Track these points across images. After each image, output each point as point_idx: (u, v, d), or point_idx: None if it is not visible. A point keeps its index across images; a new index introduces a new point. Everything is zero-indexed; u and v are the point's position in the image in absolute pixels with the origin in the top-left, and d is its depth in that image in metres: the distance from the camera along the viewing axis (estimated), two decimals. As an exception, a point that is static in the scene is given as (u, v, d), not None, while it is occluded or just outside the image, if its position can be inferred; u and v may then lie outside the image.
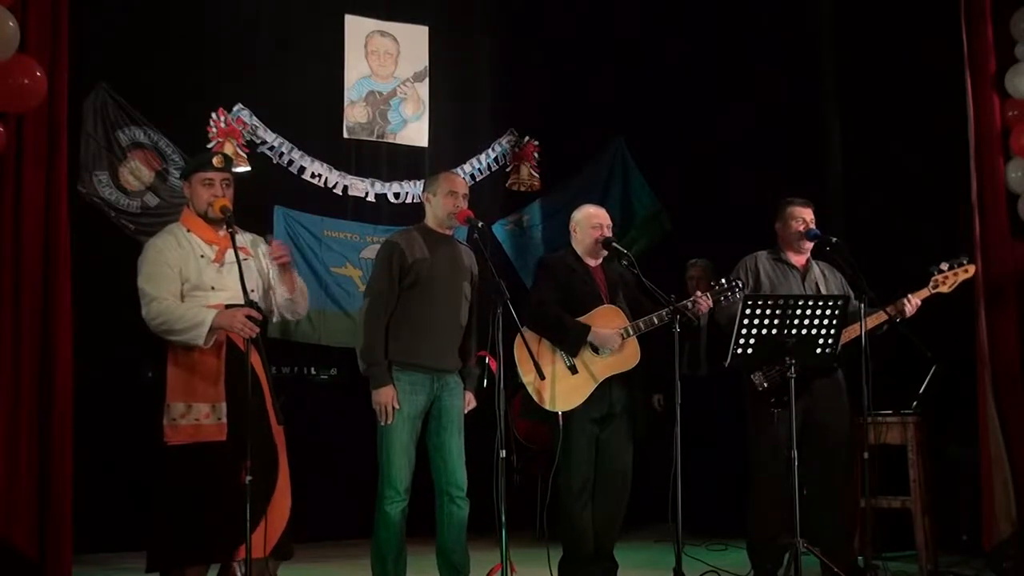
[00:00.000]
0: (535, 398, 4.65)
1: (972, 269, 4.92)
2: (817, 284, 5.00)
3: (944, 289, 4.84)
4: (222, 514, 3.75)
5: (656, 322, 4.66)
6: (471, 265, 4.54)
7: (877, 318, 4.78)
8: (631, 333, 4.69)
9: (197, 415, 3.84)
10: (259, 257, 4.16)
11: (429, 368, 4.37)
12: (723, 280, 4.80)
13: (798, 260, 5.05)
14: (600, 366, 4.69)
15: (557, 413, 4.63)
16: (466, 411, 4.50)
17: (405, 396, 4.32)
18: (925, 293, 4.83)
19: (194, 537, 3.78)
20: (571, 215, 5.00)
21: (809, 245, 5.02)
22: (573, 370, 4.66)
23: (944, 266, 4.87)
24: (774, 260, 5.05)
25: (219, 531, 3.77)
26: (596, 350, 4.69)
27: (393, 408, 4.29)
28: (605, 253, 4.88)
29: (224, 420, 3.85)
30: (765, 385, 4.76)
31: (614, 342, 4.65)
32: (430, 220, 4.55)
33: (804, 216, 5.00)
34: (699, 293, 4.75)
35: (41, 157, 4.45)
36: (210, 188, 4.01)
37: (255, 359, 3.87)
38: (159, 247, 3.95)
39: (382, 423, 4.31)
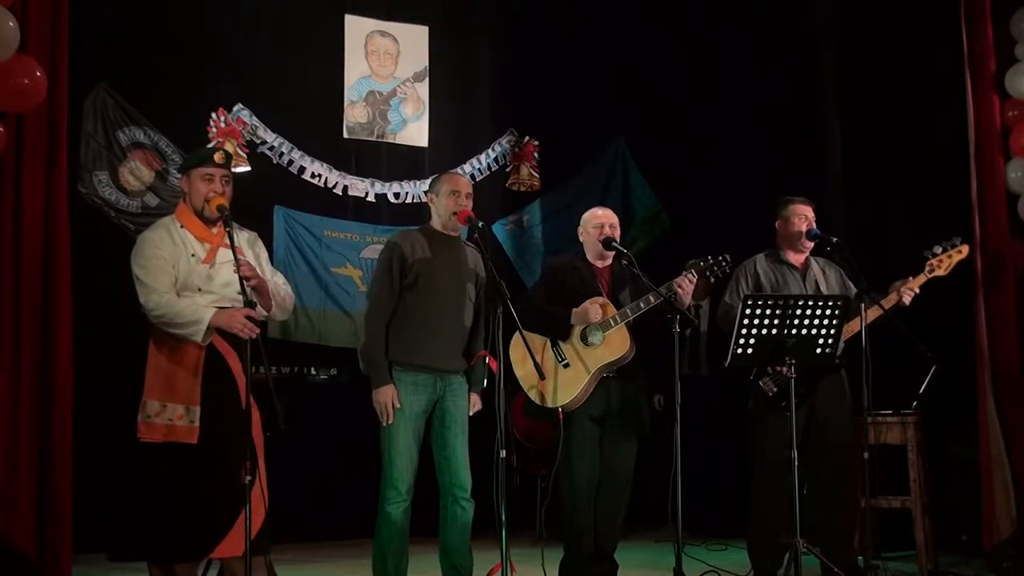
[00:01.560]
0: (532, 397, 4.66)
1: (966, 249, 4.89)
2: (817, 282, 4.99)
3: (940, 272, 4.82)
4: (191, 515, 3.76)
5: (642, 306, 4.63)
6: (476, 267, 4.52)
7: (875, 311, 4.76)
8: (618, 321, 4.68)
9: (171, 415, 3.84)
10: (255, 256, 4.13)
11: (432, 368, 4.36)
12: (708, 257, 4.74)
13: (797, 259, 5.04)
14: (591, 357, 4.69)
15: (557, 409, 4.64)
16: (471, 412, 4.49)
17: (407, 396, 4.32)
18: (922, 279, 4.80)
19: (160, 535, 3.79)
20: (576, 217, 5.01)
21: (809, 244, 5.01)
22: (565, 365, 4.68)
23: (938, 249, 4.85)
24: (772, 262, 5.05)
25: (188, 531, 3.78)
26: (586, 341, 4.70)
27: (394, 407, 4.29)
28: (611, 254, 4.87)
29: (196, 424, 3.83)
30: (775, 390, 4.75)
31: (594, 313, 4.64)
32: (435, 221, 4.55)
33: (806, 215, 5.00)
34: (683, 274, 4.67)
35: (41, 157, 4.44)
36: (210, 183, 3.99)
37: (236, 361, 3.86)
38: (153, 241, 3.94)
39: (383, 423, 4.32)
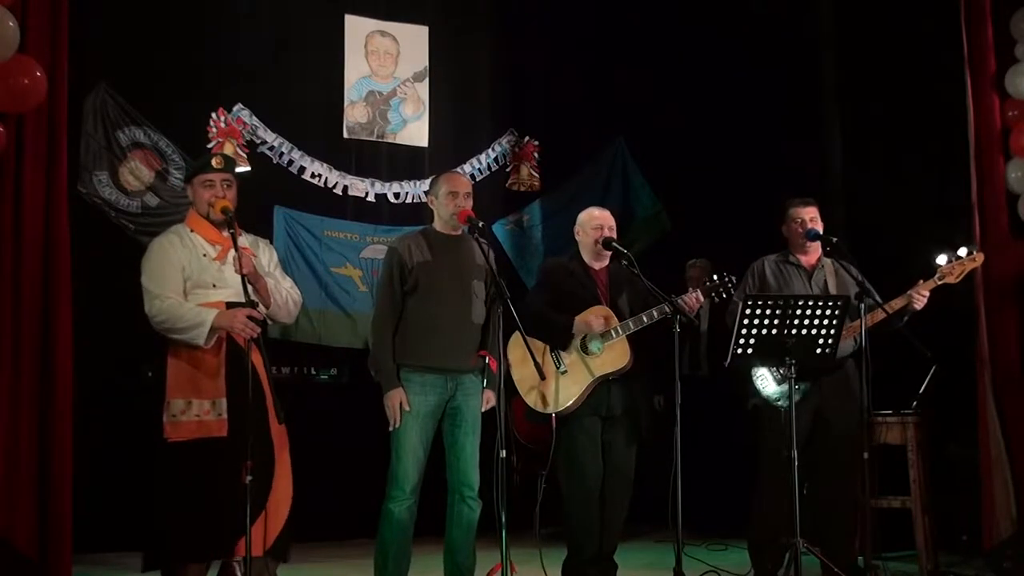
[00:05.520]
0: (528, 400, 4.66)
1: (981, 258, 4.88)
2: (825, 283, 4.99)
3: (951, 280, 4.80)
4: (220, 511, 3.77)
5: (645, 320, 4.65)
6: (484, 263, 4.50)
7: (875, 316, 4.76)
8: (620, 332, 4.69)
9: (198, 411, 3.87)
10: (259, 257, 4.16)
11: (440, 369, 4.37)
12: (715, 276, 4.80)
13: (807, 260, 5.05)
14: (590, 366, 4.70)
15: (551, 415, 4.64)
16: (484, 409, 4.49)
17: (415, 396, 4.34)
18: (931, 284, 4.79)
19: (194, 534, 3.80)
20: (576, 217, 5.00)
21: (814, 244, 5.01)
22: (563, 372, 4.69)
23: (953, 257, 4.83)
24: (781, 262, 5.05)
25: (217, 528, 3.80)
26: (586, 349, 4.70)
27: (402, 410, 4.31)
28: (608, 254, 4.87)
29: (225, 416, 3.88)
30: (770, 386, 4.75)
31: (595, 326, 4.66)
32: (437, 222, 4.56)
33: (803, 216, 5.00)
34: (690, 290, 4.75)
35: (41, 157, 4.45)
36: (210, 189, 4.05)
37: (255, 358, 3.89)
38: (163, 246, 4.00)
39: (391, 426, 4.34)
